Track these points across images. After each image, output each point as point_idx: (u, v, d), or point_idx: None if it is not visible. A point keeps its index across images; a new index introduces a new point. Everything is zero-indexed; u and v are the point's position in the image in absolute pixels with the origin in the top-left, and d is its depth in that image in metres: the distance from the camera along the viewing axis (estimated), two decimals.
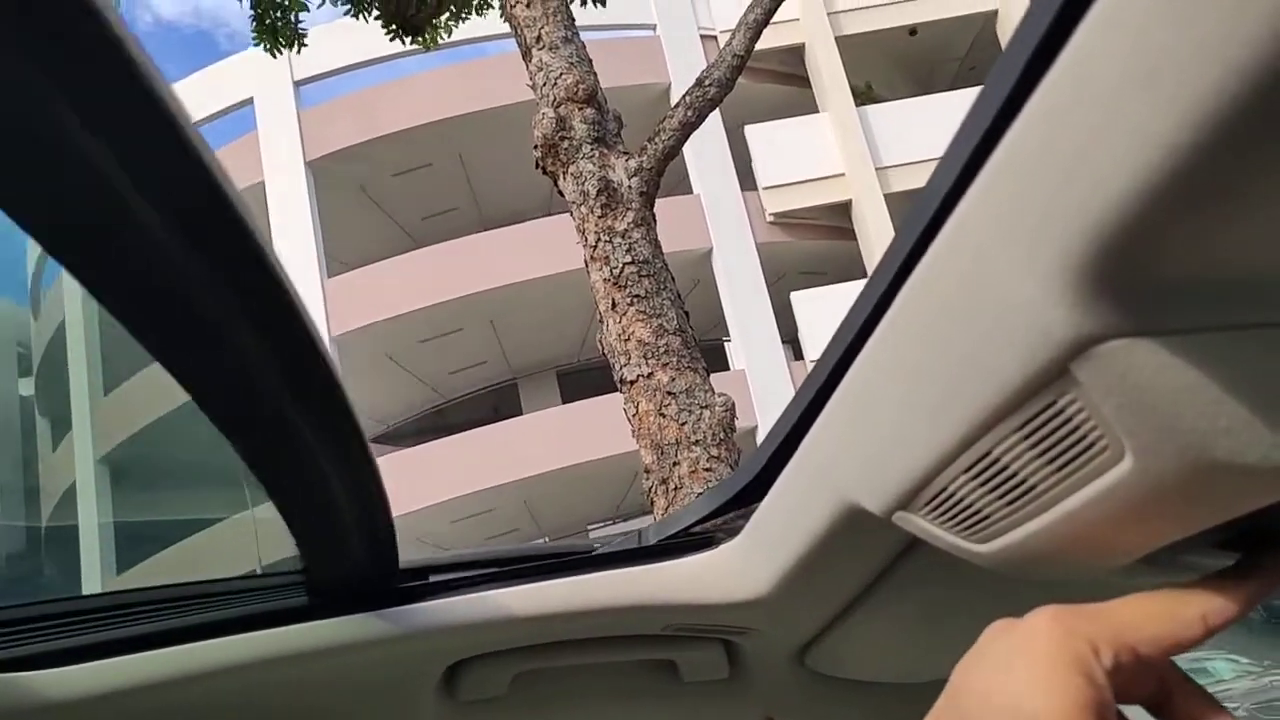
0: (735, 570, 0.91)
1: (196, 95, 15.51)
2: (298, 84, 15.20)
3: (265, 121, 15.16)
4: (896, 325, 0.55)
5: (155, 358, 0.56)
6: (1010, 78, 0.42)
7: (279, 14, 7.24)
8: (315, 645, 0.92)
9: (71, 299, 15.47)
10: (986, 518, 0.55)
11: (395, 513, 0.82)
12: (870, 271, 0.60)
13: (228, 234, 0.50)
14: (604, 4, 7.10)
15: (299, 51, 7.68)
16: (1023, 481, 0.51)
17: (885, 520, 0.65)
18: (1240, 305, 0.39)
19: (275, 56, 7.53)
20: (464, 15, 7.50)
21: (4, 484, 16.45)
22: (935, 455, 0.54)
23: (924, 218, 0.51)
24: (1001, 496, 0.53)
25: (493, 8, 7.46)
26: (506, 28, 5.65)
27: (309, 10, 7.33)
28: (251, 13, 7.17)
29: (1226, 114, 0.31)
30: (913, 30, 15.32)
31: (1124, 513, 0.47)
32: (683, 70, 13.97)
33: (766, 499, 0.83)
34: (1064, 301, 0.40)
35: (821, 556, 0.79)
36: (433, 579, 0.98)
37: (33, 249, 17.26)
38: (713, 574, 0.93)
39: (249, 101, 15.34)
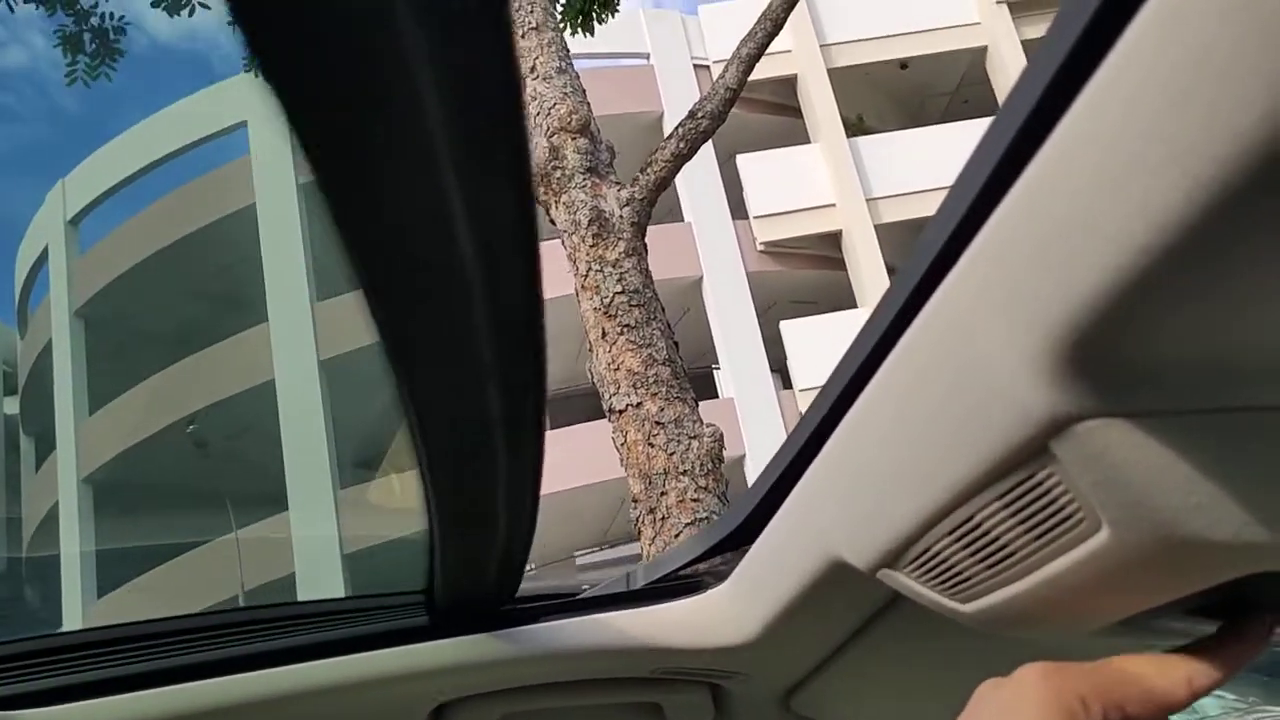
0: (723, 615, 0.92)
1: (189, 118, 15.55)
2: None
3: (258, 145, 15.19)
4: (882, 389, 0.56)
5: (400, 379, 0.53)
6: (993, 161, 0.43)
7: None
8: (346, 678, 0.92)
9: (59, 319, 15.44)
10: (968, 579, 0.57)
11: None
12: (863, 315, 0.61)
13: (521, 269, 0.49)
14: (591, 33, 7.15)
15: None
16: (1004, 547, 0.52)
17: (870, 576, 0.66)
18: (1212, 389, 0.40)
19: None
20: None
21: None
22: (920, 517, 0.56)
23: (909, 286, 0.52)
24: (983, 560, 0.54)
25: None
26: None
27: None
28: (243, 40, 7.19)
29: (1192, 221, 0.33)
30: (904, 64, 15.48)
31: (1100, 580, 0.48)
32: (675, 99, 14.07)
33: (754, 546, 0.84)
34: (1043, 382, 0.42)
35: (807, 606, 0.80)
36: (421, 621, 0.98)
37: (21, 267, 17.22)
38: (700, 618, 0.94)
39: (242, 124, 15.38)
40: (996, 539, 0.52)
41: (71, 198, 16.09)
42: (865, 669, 0.93)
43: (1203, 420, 0.41)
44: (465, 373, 0.54)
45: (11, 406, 17.58)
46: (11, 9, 6.64)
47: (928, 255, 0.50)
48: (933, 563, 0.58)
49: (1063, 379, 0.41)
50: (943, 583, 0.59)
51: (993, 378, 0.45)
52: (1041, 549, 0.50)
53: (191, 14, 6.92)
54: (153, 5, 6.67)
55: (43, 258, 16.32)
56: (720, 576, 0.93)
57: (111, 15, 6.81)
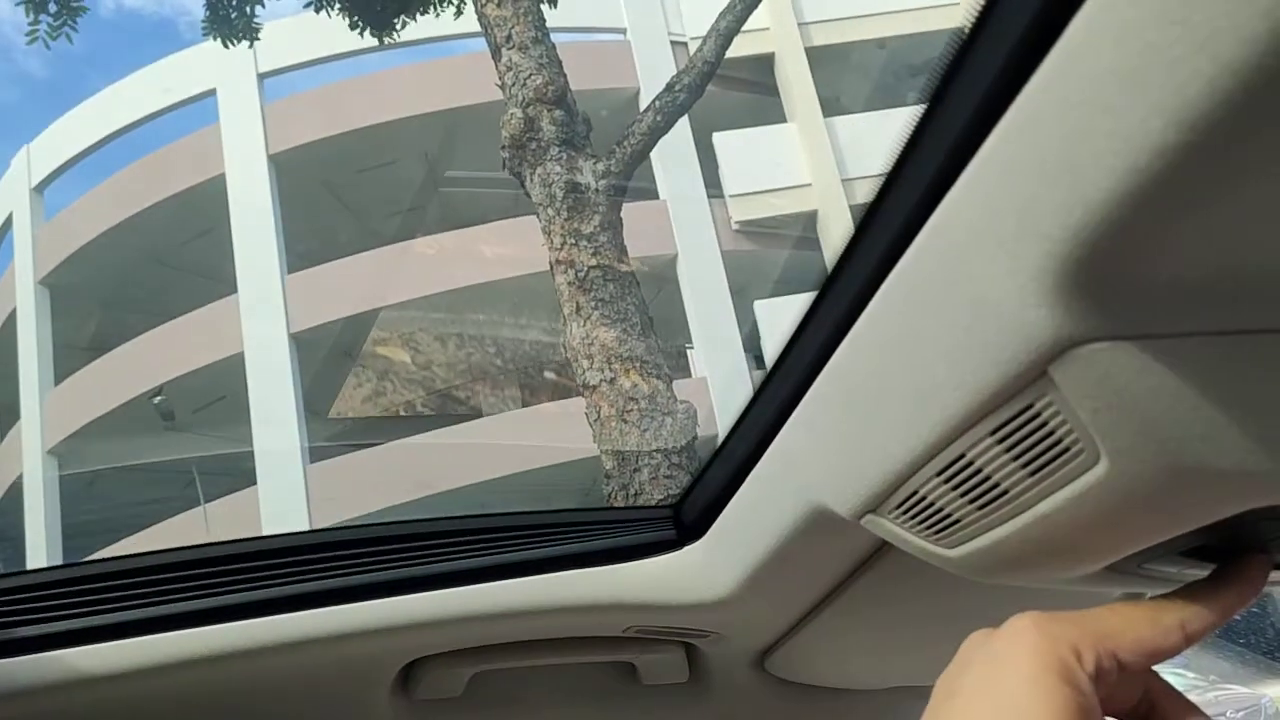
0: (699, 572, 0.91)
1: (157, 84, 15.29)
2: (261, 76, 15.03)
3: (228, 113, 14.97)
4: (870, 325, 0.55)
5: None
6: (991, 76, 0.41)
7: (234, 5, 7.17)
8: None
9: (23, 288, 15.20)
10: (957, 521, 0.55)
11: (347, 514, 0.80)
12: (833, 269, 0.59)
13: None
14: (555, 4, 7.08)
15: (252, 45, 7.60)
16: (995, 485, 0.50)
17: (853, 523, 0.64)
18: (1223, 310, 0.39)
19: (227, 48, 7.45)
20: (423, 10, 7.46)
21: None
22: (907, 458, 0.54)
23: (900, 216, 0.50)
24: (973, 500, 0.53)
25: (453, 5, 7.44)
26: (473, 26, 5.63)
27: (264, 5, 7.27)
28: (205, 3, 7.10)
29: (1217, 114, 0.31)
30: (881, 44, 15.47)
31: (1097, 517, 0.47)
32: (652, 75, 13.98)
33: (733, 500, 0.82)
34: (1044, 303, 0.40)
35: (787, 559, 0.78)
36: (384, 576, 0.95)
37: None
38: (676, 575, 0.92)
39: (211, 93, 15.15)
40: (988, 477, 0.50)
41: (36, 164, 15.80)
42: (843, 628, 0.91)
43: (1212, 343, 0.40)
44: None
45: None
46: None
47: (923, 178, 0.48)
48: (920, 506, 0.57)
49: (1066, 298, 0.39)
50: (930, 527, 0.58)
51: (990, 300, 0.43)
52: (1036, 485, 0.48)
53: None
54: None
55: (6, 225, 16.04)
56: (697, 532, 0.91)
57: None
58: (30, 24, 6.51)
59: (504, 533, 0.97)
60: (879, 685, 1.11)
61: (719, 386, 13.65)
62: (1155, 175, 0.33)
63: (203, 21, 7.26)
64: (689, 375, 14.03)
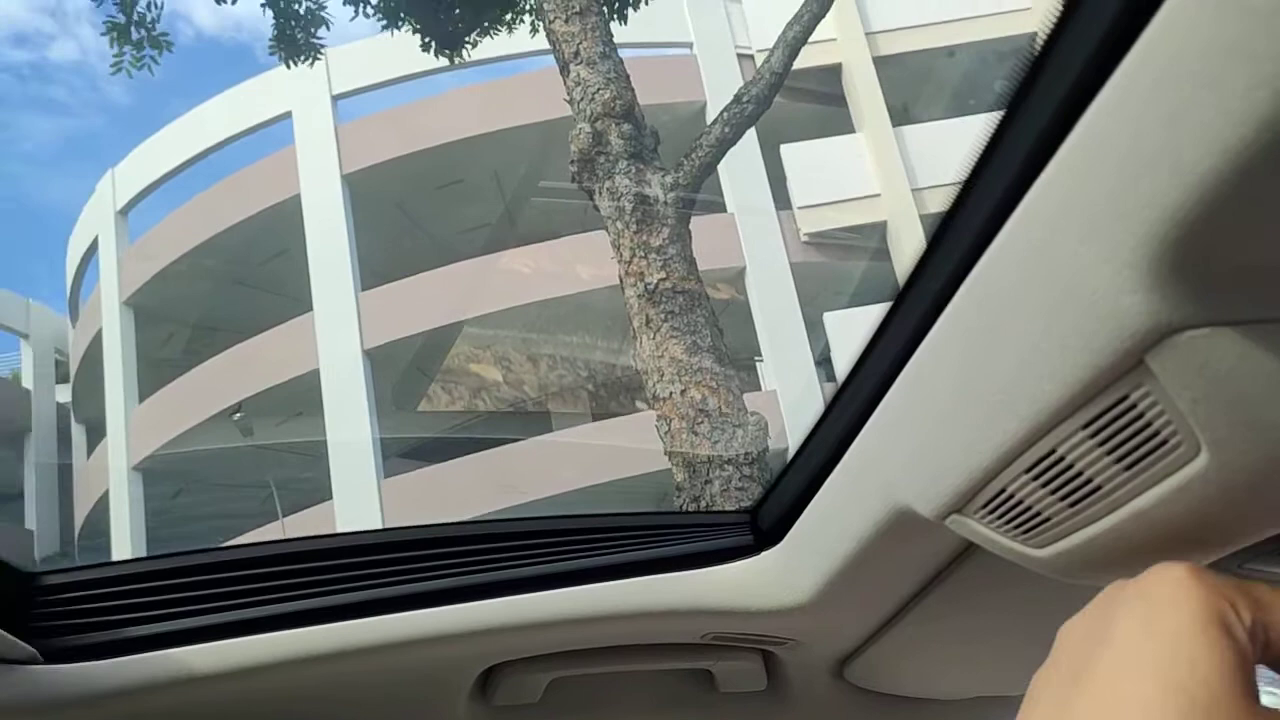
0: (777, 577, 0.90)
1: (235, 109, 15.71)
2: (335, 98, 15.36)
3: (303, 135, 15.32)
4: (956, 320, 0.54)
5: None
6: (1082, 59, 0.41)
7: (298, 27, 7.37)
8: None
9: (109, 308, 15.68)
10: (1047, 520, 0.54)
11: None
12: (915, 266, 0.59)
13: None
14: (625, 20, 7.15)
15: (312, 64, 7.81)
16: (1088, 481, 0.49)
17: (937, 524, 0.63)
18: None
19: (289, 67, 7.66)
20: (496, 30, 7.58)
21: (41, 489, 16.66)
22: (994, 455, 0.53)
23: (985, 210, 0.49)
24: (1065, 497, 0.51)
25: (524, 23, 7.55)
26: (540, 44, 5.69)
27: (329, 28, 7.47)
28: (273, 24, 7.31)
29: None
30: (951, 51, 15.29)
31: (1197, 512, 0.45)
32: (718, 88, 13.98)
33: (811, 504, 0.82)
34: (1140, 289, 0.39)
35: (867, 563, 0.77)
36: (466, 581, 0.96)
37: (72, 257, 17.53)
38: (754, 580, 0.92)
39: (287, 115, 15.52)
40: (1080, 473, 0.49)
41: (120, 188, 16.33)
42: (925, 635, 0.90)
43: None
44: None
45: (64, 394, 17.91)
46: None
47: (1006, 171, 0.47)
48: (1008, 504, 0.56)
49: (1163, 284, 0.38)
50: (1018, 526, 0.56)
51: (1082, 289, 0.42)
52: (1132, 480, 0.47)
53: (234, 2, 7.00)
54: None
55: (93, 248, 16.58)
56: (774, 537, 0.90)
57: (156, 4, 6.91)
58: (115, 55, 6.75)
59: (581, 536, 0.98)
60: (962, 695, 1.09)
61: (788, 399, 13.55)
62: (1260, 151, 0.32)
63: (269, 41, 7.46)
64: (759, 389, 13.95)
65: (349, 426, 13.98)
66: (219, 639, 0.88)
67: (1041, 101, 0.44)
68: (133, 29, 6.74)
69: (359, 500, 13.61)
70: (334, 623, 0.91)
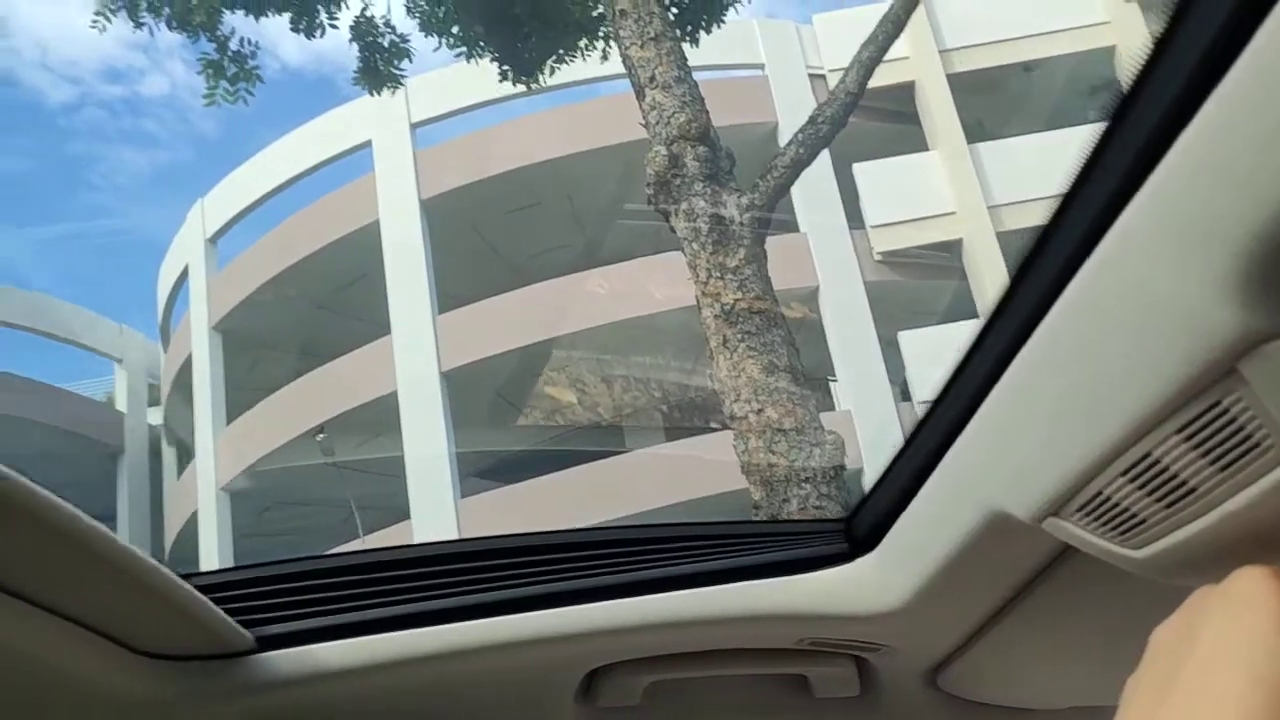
0: (872, 583, 0.93)
1: (317, 138, 16.15)
2: (414, 126, 15.70)
3: (382, 163, 15.68)
4: (1055, 329, 0.57)
5: None
6: (1179, 84, 0.44)
7: (382, 59, 7.61)
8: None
9: (199, 334, 16.17)
10: (1143, 521, 0.57)
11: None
12: (1014, 276, 0.62)
13: None
14: (696, 43, 7.23)
15: (394, 93, 8.07)
16: (1183, 483, 0.52)
17: (1033, 528, 0.66)
18: None
19: (373, 96, 7.92)
20: (571, 57, 7.74)
21: (134, 508, 17.19)
22: (1091, 459, 0.56)
23: (1083, 224, 0.53)
24: (1160, 499, 0.54)
25: (596, 50, 7.68)
26: (611, 70, 5.78)
27: (411, 60, 7.71)
28: (358, 58, 7.57)
29: None
30: (1028, 67, 15.09)
31: None
32: (790, 110, 13.99)
33: (906, 510, 0.85)
34: (1234, 300, 0.42)
35: (963, 568, 0.80)
36: (570, 586, 1.01)
37: (164, 284, 18.12)
38: (848, 587, 0.95)
39: (367, 144, 15.90)
40: (1175, 475, 0.52)
41: (210, 217, 16.89)
42: (1019, 641, 0.92)
43: None
44: None
45: (155, 417, 18.50)
46: (152, 34, 7.06)
47: (1103, 189, 0.50)
48: (1104, 507, 0.58)
49: (1255, 295, 0.41)
50: (1114, 528, 0.59)
51: (1178, 299, 0.45)
52: (1225, 482, 0.50)
53: (323, 35, 7.25)
54: (291, 29, 7.03)
55: (183, 275, 17.15)
56: (869, 544, 0.93)
57: (249, 41, 7.20)
58: (209, 88, 7.02)
59: (680, 543, 1.02)
60: (1055, 705, 1.10)
61: (864, 418, 13.42)
62: None
63: (354, 74, 7.70)
64: (833, 409, 13.85)
65: (426, 446, 14.18)
66: (354, 636, 0.94)
67: (1140, 121, 0.47)
68: (226, 64, 7.02)
69: (436, 518, 13.78)
70: (451, 624, 0.96)
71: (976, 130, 14.93)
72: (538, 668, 1.01)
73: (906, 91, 15.20)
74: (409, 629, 0.94)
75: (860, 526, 0.95)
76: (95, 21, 6.90)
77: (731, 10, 7.59)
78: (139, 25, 6.97)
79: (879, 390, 13.97)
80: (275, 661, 0.92)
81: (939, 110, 14.80)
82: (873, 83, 5.51)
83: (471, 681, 1.01)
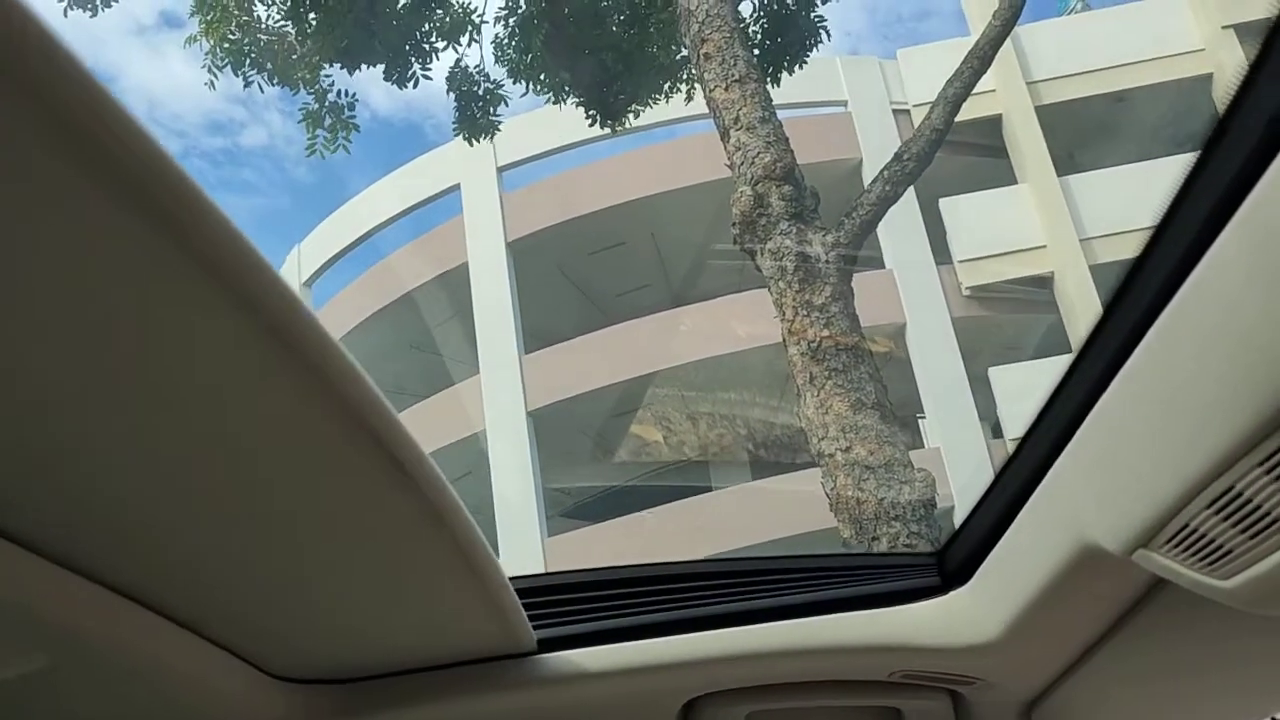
0: (966, 615, 0.95)
1: (410, 184, 16.60)
2: (500, 170, 16.05)
3: (470, 206, 16.03)
4: (1144, 363, 0.59)
5: None
6: (1271, 109, 0.46)
7: (478, 108, 7.82)
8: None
9: None
10: (1229, 552, 0.59)
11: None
12: (1105, 310, 0.64)
13: None
14: (778, 84, 7.28)
15: (492, 139, 8.27)
16: (1266, 514, 0.54)
17: (1124, 560, 0.68)
18: None
19: (472, 145, 8.13)
20: (655, 99, 7.86)
21: None
22: (1178, 491, 0.58)
23: (1174, 256, 0.55)
24: (1245, 530, 0.56)
25: (680, 92, 7.78)
26: (694, 110, 5.85)
27: (507, 105, 7.91)
28: (454, 107, 7.79)
29: None
30: (1119, 97, 14.82)
31: None
32: (874, 145, 13.94)
33: (999, 544, 0.87)
34: None
35: (1056, 601, 0.82)
36: (671, 616, 1.04)
37: None
38: (943, 618, 0.97)
39: (456, 187, 16.29)
40: (1259, 506, 0.54)
41: (305, 262, 17.45)
42: (1113, 675, 0.93)
43: None
44: None
45: None
46: (261, 90, 7.40)
47: (1187, 231, 0.53)
48: (1191, 538, 0.60)
49: None
50: (1202, 559, 0.61)
51: (1262, 337, 0.48)
52: None
53: (416, 85, 7.50)
54: (385, 79, 7.29)
55: None
56: (962, 577, 0.95)
57: (346, 92, 7.49)
58: (309, 139, 7.31)
59: (776, 575, 1.05)
60: None
61: (953, 456, 13.19)
62: None
63: (453, 124, 7.93)
64: (922, 446, 13.63)
65: (514, 486, 14.34)
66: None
67: (1232, 150, 0.50)
68: (324, 115, 7.30)
69: (524, 557, 13.87)
70: (552, 652, 1.00)
71: (1067, 162, 14.68)
72: (638, 696, 1.04)
73: (994, 125, 15.04)
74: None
75: (953, 559, 0.97)
76: (208, 80, 7.24)
77: (814, 49, 7.64)
78: (247, 83, 7.31)
79: (969, 427, 13.72)
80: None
81: (1027, 143, 14.60)
82: (961, 116, 5.50)
83: (570, 709, 1.05)
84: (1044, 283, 14.25)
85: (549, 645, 1.01)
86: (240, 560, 0.71)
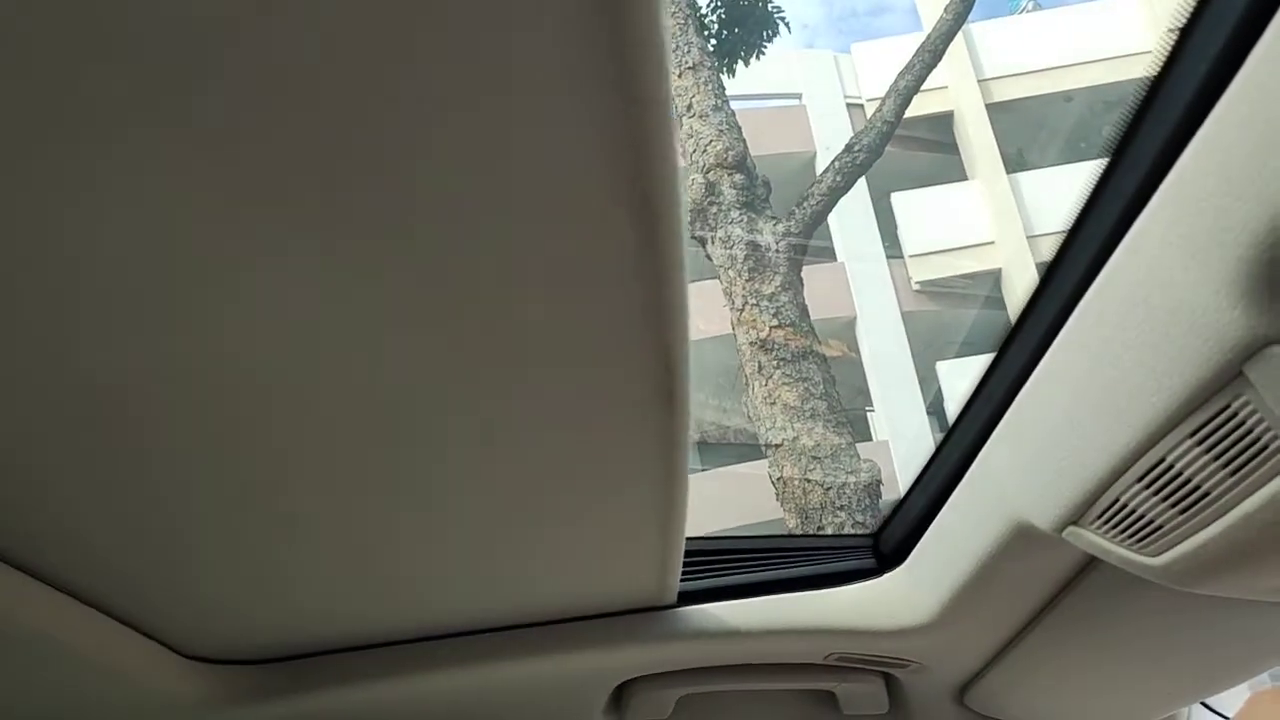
0: (900, 597, 0.94)
1: None
2: None
3: None
4: (1070, 341, 0.58)
5: None
6: (1179, 108, 0.46)
7: None
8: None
9: None
10: (1160, 528, 0.58)
11: None
12: (1034, 290, 0.63)
13: None
14: (734, 74, 7.28)
15: None
16: (1197, 488, 0.53)
17: (1055, 538, 0.67)
18: None
19: None
20: None
21: None
22: (1107, 466, 0.57)
23: (1098, 237, 0.54)
24: (1176, 504, 0.55)
25: None
26: None
27: None
28: None
29: None
30: (1068, 96, 15.03)
31: None
32: (828, 138, 14.02)
33: (933, 525, 0.86)
34: (1238, 305, 0.43)
35: (989, 580, 0.81)
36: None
37: None
38: (877, 601, 0.96)
39: None
40: (1189, 480, 0.53)
41: None
42: (1045, 657, 0.92)
43: None
44: None
45: None
46: None
47: (1115, 201, 0.52)
48: (1121, 514, 0.59)
49: (1257, 301, 0.43)
50: (1132, 535, 0.60)
51: (1185, 307, 0.47)
52: (1237, 485, 0.51)
53: None
54: None
55: None
56: (897, 559, 0.94)
57: None
58: None
59: (710, 557, 1.03)
60: None
61: (901, 449, 13.32)
62: None
63: None
64: (870, 439, 13.76)
65: None
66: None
67: (1145, 143, 0.49)
68: None
69: None
70: (479, 635, 0.97)
71: (1017, 160, 14.88)
72: (566, 680, 1.02)
73: (946, 121, 15.20)
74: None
75: (888, 542, 0.96)
76: None
77: (771, 40, 7.64)
78: None
79: (916, 420, 13.87)
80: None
81: (978, 139, 14.77)
82: (912, 112, 5.52)
83: (498, 692, 1.02)
84: (992, 279, 14.44)
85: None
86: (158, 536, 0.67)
